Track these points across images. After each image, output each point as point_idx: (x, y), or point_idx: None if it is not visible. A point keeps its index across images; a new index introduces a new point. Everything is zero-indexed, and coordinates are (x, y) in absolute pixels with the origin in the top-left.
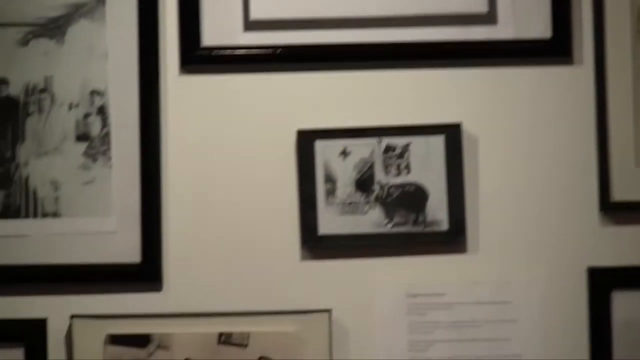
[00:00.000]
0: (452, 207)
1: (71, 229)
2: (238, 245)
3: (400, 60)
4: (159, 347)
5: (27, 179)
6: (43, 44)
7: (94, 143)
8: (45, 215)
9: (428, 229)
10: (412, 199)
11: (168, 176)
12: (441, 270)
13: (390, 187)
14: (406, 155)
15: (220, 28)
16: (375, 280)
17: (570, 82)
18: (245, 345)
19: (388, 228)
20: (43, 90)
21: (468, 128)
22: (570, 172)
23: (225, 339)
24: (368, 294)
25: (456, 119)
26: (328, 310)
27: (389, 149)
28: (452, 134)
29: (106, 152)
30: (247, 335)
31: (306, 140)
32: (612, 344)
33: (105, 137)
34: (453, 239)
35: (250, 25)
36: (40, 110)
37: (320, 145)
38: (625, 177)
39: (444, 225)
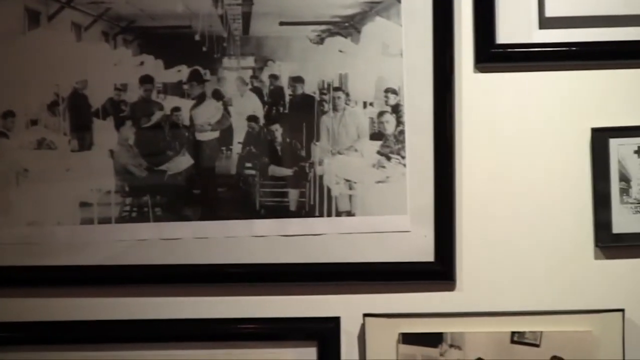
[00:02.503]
0: None
1: (365, 228)
2: (530, 244)
3: None
4: (451, 346)
5: (321, 178)
6: (338, 42)
7: (388, 141)
8: (339, 214)
9: None
10: None
11: (461, 174)
12: None
13: None
14: None
15: (515, 26)
16: None
17: None
18: (538, 345)
19: None
20: (338, 89)
21: None
22: None
23: (517, 338)
24: None
25: None
26: (621, 310)
27: None
28: None
29: (400, 151)
30: (539, 335)
31: (600, 139)
32: None
33: (400, 136)
34: None
35: (545, 22)
36: (335, 108)
37: (614, 144)
38: None
39: None
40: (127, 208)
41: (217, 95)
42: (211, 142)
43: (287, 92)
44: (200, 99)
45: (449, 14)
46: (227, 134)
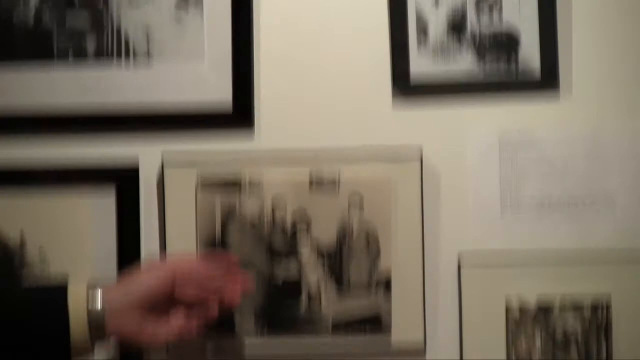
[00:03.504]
0: (544, 53)
1: (163, 75)
2: (329, 93)
3: None
4: (250, 185)
5: (119, 26)
6: None
7: None
8: (138, 60)
9: (520, 75)
10: (504, 45)
11: (260, 18)
12: (533, 117)
13: (483, 33)
14: (499, 0)
15: None
16: (467, 126)
17: None
18: (337, 184)
19: (480, 74)
20: None
21: None
22: None
23: (316, 179)
24: (460, 140)
25: None
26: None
27: None
28: None
29: None
30: (337, 173)
31: None
32: None
33: None
34: (545, 85)
35: None
36: None
37: None
38: None
39: (536, 72)
40: None
41: None
42: None
43: None
44: None
45: None
46: None
